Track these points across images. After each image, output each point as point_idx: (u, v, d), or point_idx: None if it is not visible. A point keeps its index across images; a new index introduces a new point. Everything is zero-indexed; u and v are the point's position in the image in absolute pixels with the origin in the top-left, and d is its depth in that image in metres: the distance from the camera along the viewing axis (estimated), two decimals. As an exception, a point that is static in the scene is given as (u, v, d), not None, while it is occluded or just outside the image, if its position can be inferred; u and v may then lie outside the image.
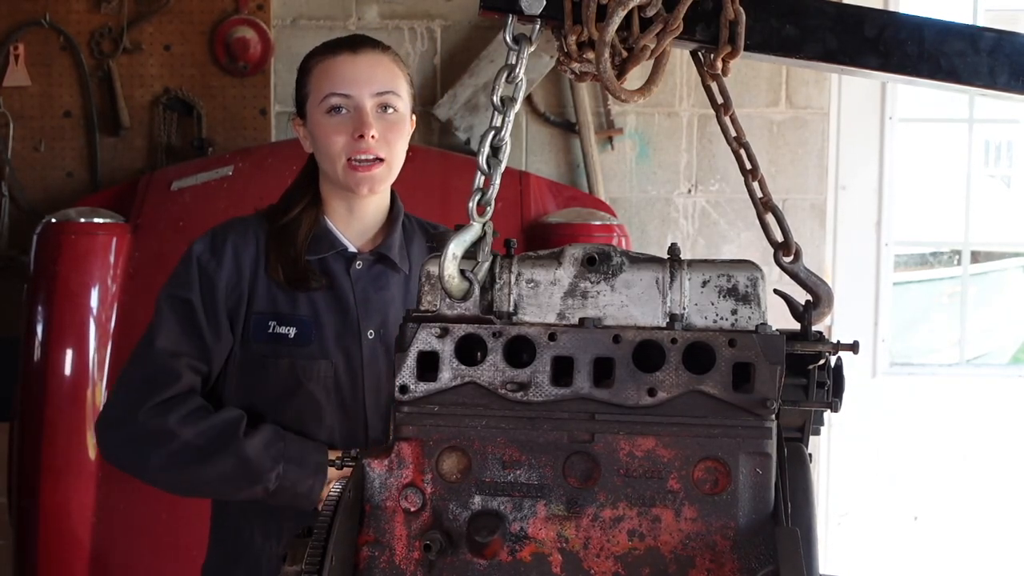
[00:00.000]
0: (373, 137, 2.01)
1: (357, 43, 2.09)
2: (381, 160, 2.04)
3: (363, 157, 2.02)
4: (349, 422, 2.03)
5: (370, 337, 2.04)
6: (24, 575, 3.13)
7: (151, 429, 1.93)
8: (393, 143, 2.05)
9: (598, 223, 3.36)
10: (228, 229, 2.09)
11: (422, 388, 1.17)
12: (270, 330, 2.02)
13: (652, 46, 1.25)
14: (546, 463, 1.15)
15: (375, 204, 2.12)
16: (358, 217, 2.11)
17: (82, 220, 3.24)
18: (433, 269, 1.21)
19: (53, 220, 3.24)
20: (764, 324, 1.17)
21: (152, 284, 3.17)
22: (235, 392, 2.04)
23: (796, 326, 1.28)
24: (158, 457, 1.94)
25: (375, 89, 2.03)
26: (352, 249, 2.10)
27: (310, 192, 2.12)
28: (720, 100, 1.35)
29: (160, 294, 2.06)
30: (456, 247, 1.20)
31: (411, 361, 1.18)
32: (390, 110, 2.05)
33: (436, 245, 1.22)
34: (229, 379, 2.05)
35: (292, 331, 2.02)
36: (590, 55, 1.25)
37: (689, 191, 3.99)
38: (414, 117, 2.14)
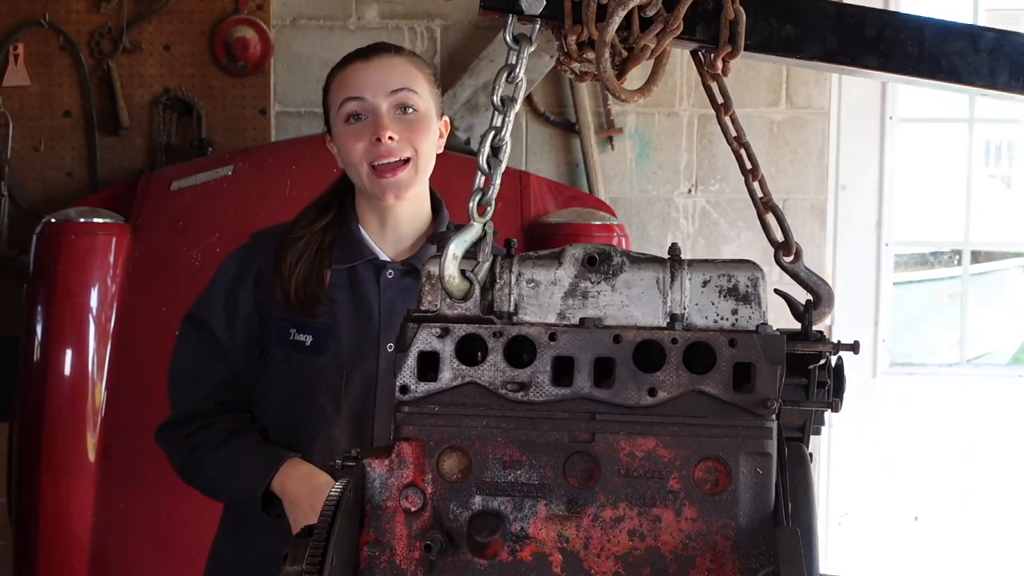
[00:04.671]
0: (391, 139, 1.96)
1: (371, 50, 2.05)
2: (405, 162, 1.98)
3: (384, 161, 1.97)
4: (358, 433, 1.99)
5: (389, 350, 1.98)
6: (24, 575, 3.13)
7: (165, 450, 2.14)
8: (417, 143, 1.99)
9: (598, 223, 3.36)
10: (258, 240, 2.10)
11: (422, 388, 1.17)
12: (290, 337, 2.02)
13: (652, 46, 1.25)
14: (546, 463, 1.15)
15: (409, 213, 2.06)
16: (391, 227, 2.06)
17: (82, 220, 3.24)
18: (433, 269, 1.21)
19: (53, 220, 3.24)
20: (764, 324, 1.17)
21: (152, 284, 3.21)
22: (259, 392, 2.07)
23: (797, 326, 1.28)
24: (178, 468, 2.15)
25: (389, 88, 1.99)
26: (384, 258, 2.06)
27: (326, 214, 2.07)
28: (720, 100, 1.35)
29: (188, 311, 2.12)
30: (456, 247, 1.20)
31: (411, 361, 1.17)
32: (409, 110, 2.00)
33: (437, 245, 1.22)
34: (259, 378, 2.07)
35: (309, 339, 2.01)
36: (590, 55, 1.25)
37: (689, 191, 3.99)
38: (446, 119, 2.09)
